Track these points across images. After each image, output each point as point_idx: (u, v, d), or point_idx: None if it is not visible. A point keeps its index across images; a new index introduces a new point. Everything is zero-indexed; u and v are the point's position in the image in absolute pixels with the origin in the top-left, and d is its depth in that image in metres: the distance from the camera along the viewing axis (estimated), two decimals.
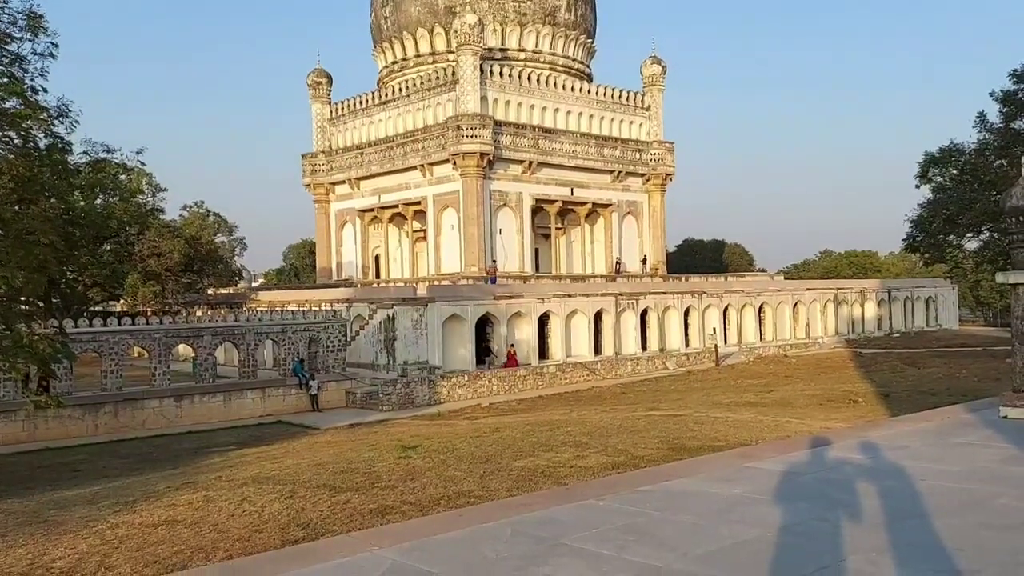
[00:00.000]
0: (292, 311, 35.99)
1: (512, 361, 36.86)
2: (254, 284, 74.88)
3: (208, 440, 24.74)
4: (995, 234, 35.50)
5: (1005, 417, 9.34)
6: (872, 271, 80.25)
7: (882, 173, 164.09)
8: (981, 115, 39.24)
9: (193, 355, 32.07)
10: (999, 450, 7.66)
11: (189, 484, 14.38)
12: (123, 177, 37.93)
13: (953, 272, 51.78)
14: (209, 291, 52.41)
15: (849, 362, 39.14)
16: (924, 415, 10.84)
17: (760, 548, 4.89)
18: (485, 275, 44.94)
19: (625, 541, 5.14)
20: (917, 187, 41.03)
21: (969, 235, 39.56)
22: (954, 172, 39.37)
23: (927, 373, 31.78)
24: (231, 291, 54.60)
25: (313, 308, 37.55)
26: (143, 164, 33.46)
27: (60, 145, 19.33)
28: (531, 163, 49.17)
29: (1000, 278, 9.86)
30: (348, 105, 56.39)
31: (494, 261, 46.38)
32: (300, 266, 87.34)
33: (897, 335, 54.16)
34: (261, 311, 37.53)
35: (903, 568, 4.40)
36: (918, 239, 41.21)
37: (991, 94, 39.00)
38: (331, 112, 57.38)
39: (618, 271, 53.12)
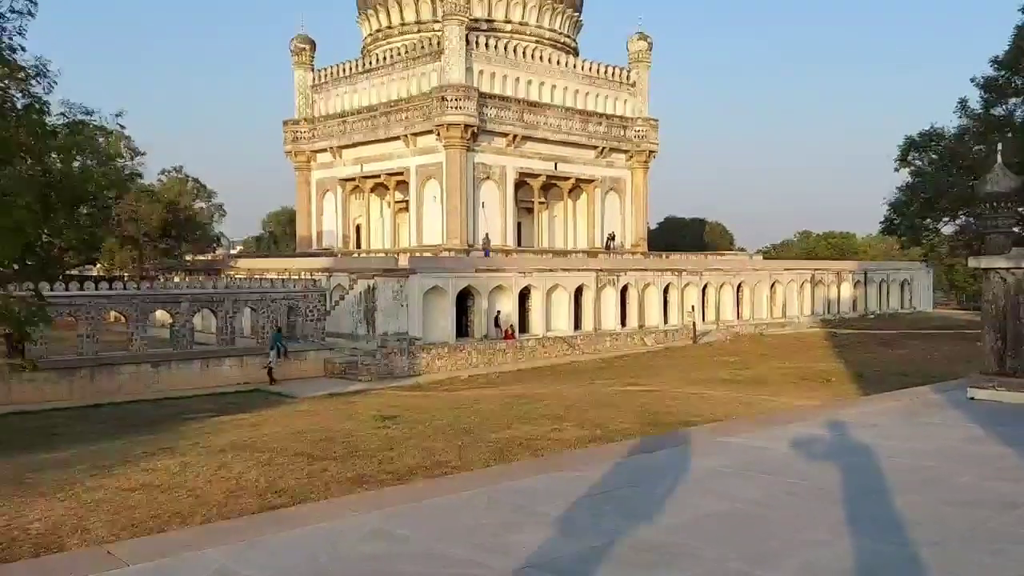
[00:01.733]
0: (271, 279, 35.85)
1: (509, 337, 37.09)
2: (233, 251, 74.37)
3: (185, 407, 24.72)
4: (971, 219, 35.93)
5: (972, 398, 9.56)
6: (850, 253, 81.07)
7: (863, 156, 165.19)
8: (962, 101, 39.50)
9: (171, 321, 31.91)
10: (964, 430, 7.87)
11: (166, 450, 14.41)
12: (101, 140, 37.38)
13: (928, 256, 52.38)
14: (187, 257, 52.02)
15: (824, 342, 39.67)
16: (894, 395, 11.07)
17: (728, 520, 5.03)
18: (480, 248, 45.02)
19: (600, 511, 5.26)
20: (896, 171, 41.33)
21: (946, 219, 39.99)
22: (933, 157, 39.68)
23: (900, 354, 32.31)
24: (209, 258, 54.23)
25: (292, 277, 37.42)
26: (122, 127, 32.93)
27: (38, 106, 19.01)
28: (515, 136, 49.00)
29: (972, 262, 10.05)
30: (331, 72, 55.77)
31: (487, 235, 46.42)
32: (280, 234, 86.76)
33: (872, 316, 54.89)
34: (240, 279, 37.34)
35: (866, 540, 4.55)
36: (895, 222, 41.58)
37: (972, 80, 39.25)
38: (314, 79, 56.73)
39: (608, 247, 53.28)
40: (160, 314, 35.43)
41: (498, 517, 5.13)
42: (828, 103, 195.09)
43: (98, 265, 49.29)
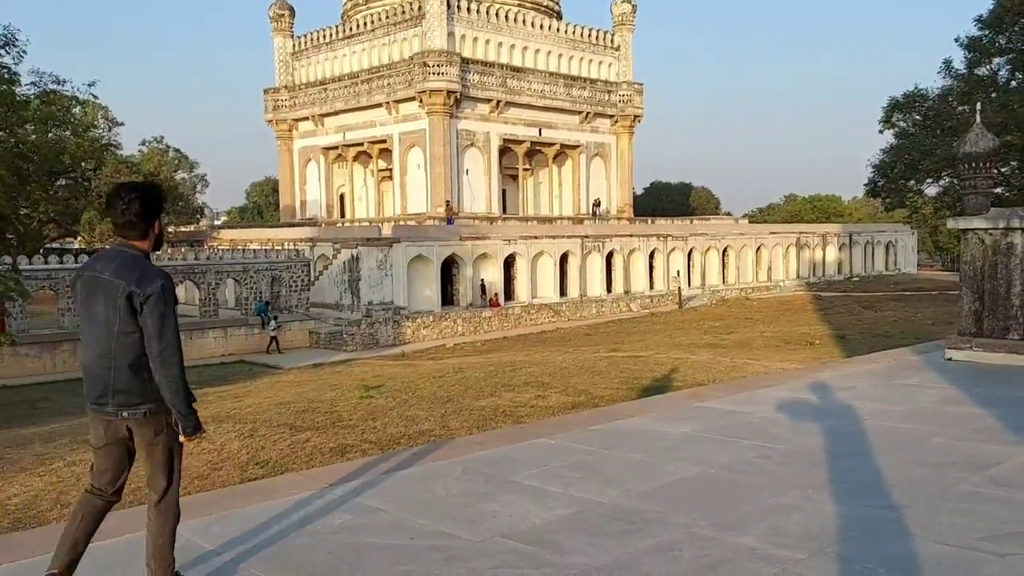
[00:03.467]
0: (254, 250, 35.59)
1: (495, 305, 37.10)
2: (216, 222, 73.75)
3: None
4: (954, 180, 36.01)
5: (950, 359, 9.60)
6: (835, 216, 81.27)
7: (849, 118, 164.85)
8: (946, 62, 39.42)
9: None
10: (940, 391, 7.89)
11: None
12: (77, 110, 36.76)
13: (912, 217, 52.60)
14: (170, 229, 51.53)
15: (809, 305, 39.83)
16: (873, 357, 11.10)
17: (701, 485, 5.02)
18: (444, 216, 44.52)
19: (572, 478, 5.24)
20: (880, 132, 41.37)
21: (929, 181, 40.14)
22: (917, 118, 39.69)
23: (883, 316, 32.48)
24: (192, 229, 53.76)
25: (276, 247, 37.16)
26: (95, 97, 32.43)
27: (7, 76, 18.61)
28: (499, 102, 48.52)
29: (951, 223, 10.03)
30: (311, 39, 54.93)
31: (448, 201, 45.83)
32: (263, 204, 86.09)
33: (857, 279, 55.13)
34: (223, 250, 37.03)
35: (838, 504, 4.55)
36: (879, 184, 41.69)
37: (956, 40, 39.12)
38: (294, 46, 55.88)
39: (594, 213, 53.10)
40: None
41: (471, 487, 5.11)
42: (814, 65, 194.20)
43: (79, 238, 48.78)
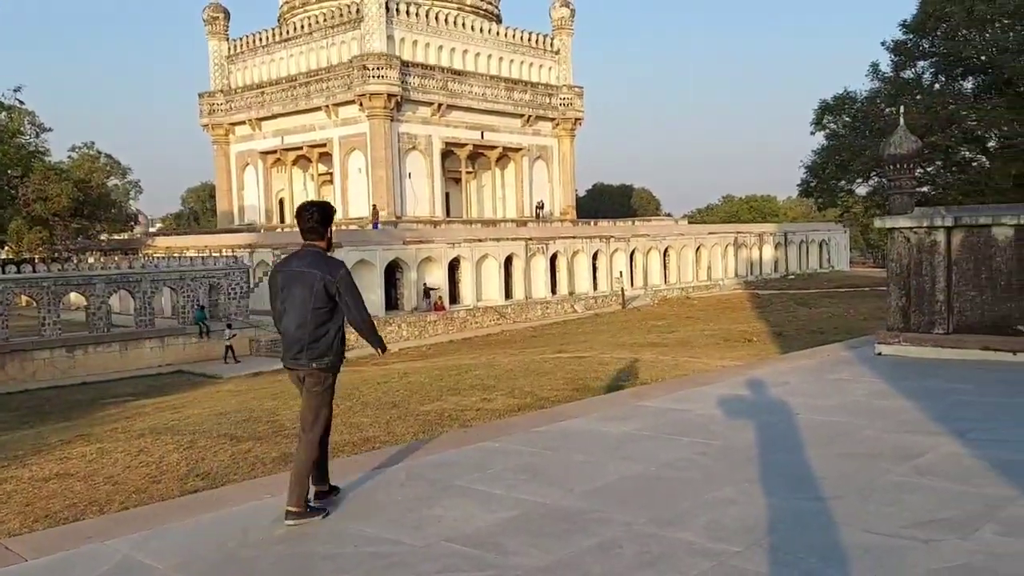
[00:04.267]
0: (191, 257, 34.85)
1: (440, 308, 36.99)
2: (152, 229, 71.88)
3: (103, 391, 23.93)
4: (883, 180, 37.21)
5: (879, 354, 9.94)
6: (771, 215, 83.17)
7: (783, 121, 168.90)
8: (874, 65, 40.71)
9: (85, 304, 30.77)
10: (870, 385, 8.17)
11: (82, 436, 13.95)
12: (2, 116, 35.48)
13: (844, 216, 54.15)
14: (102, 237, 50.07)
15: (747, 303, 40.70)
16: (807, 353, 11.43)
17: (643, 483, 5.12)
18: (370, 220, 44.11)
19: (516, 480, 5.29)
20: (812, 134, 42.45)
21: (859, 181, 41.33)
22: (847, 120, 40.86)
23: (818, 313, 33.38)
24: (126, 237, 52.32)
25: (214, 254, 36.43)
26: (21, 103, 31.36)
27: None
28: (440, 106, 48.44)
29: (878, 223, 10.39)
30: (247, 42, 54.05)
31: (374, 205, 45.55)
32: (200, 210, 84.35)
33: (792, 277, 56.54)
34: (158, 258, 36.17)
35: (772, 497, 4.69)
36: (812, 184, 42.79)
37: (883, 44, 40.46)
38: (229, 49, 54.91)
39: (538, 215, 53.34)
40: (75, 297, 34.14)
41: (415, 492, 5.12)
42: (749, 68, 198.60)
43: (6, 248, 47.04)
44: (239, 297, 33.64)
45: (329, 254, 4.81)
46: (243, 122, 53.47)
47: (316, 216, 4.78)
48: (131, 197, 61.25)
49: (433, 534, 4.31)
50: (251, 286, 35.32)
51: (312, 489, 4.76)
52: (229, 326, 31.22)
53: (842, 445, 5.82)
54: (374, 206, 45.38)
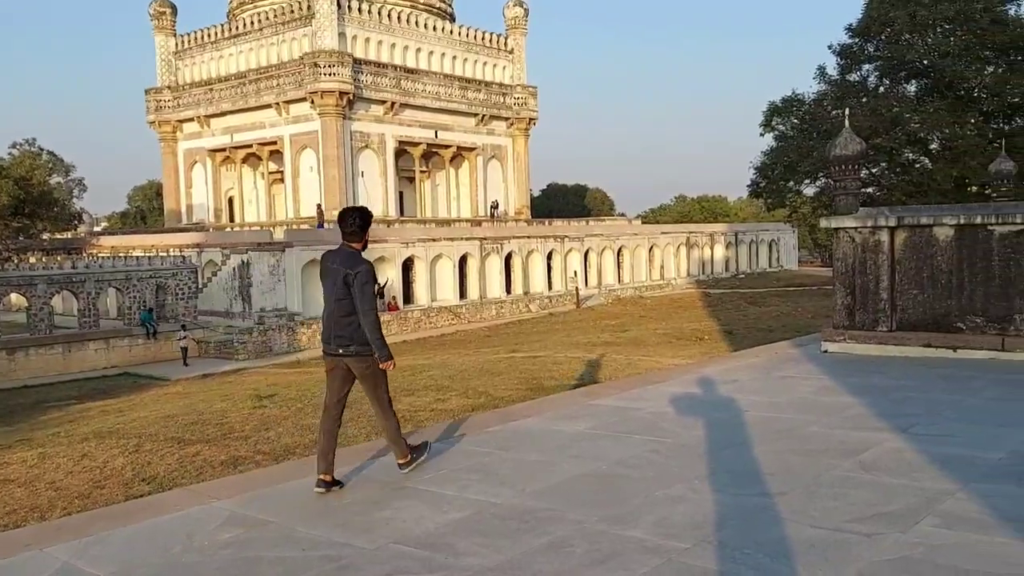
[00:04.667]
0: (137, 257, 34.09)
1: (393, 308, 36.80)
2: (97, 228, 70.11)
3: (46, 394, 23.27)
4: (829, 181, 38.04)
5: (826, 351, 10.14)
6: (722, 216, 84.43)
7: (734, 122, 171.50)
8: (821, 68, 41.58)
9: (27, 305, 29.89)
10: (816, 381, 8.33)
11: (23, 441, 13.53)
12: None
13: (792, 216, 55.22)
14: (44, 236, 48.71)
15: (699, 302, 41.23)
16: (756, 351, 11.61)
17: (594, 481, 5.14)
18: (315, 218, 43.61)
19: (468, 480, 5.27)
20: (762, 135, 43.23)
21: (807, 181, 42.19)
22: (795, 122, 41.67)
23: (767, 311, 33.96)
24: (69, 236, 50.98)
25: (161, 254, 35.70)
26: None
27: None
28: (394, 104, 48.15)
29: (824, 223, 10.60)
30: (196, 38, 53.08)
31: (319, 205, 45.14)
32: (147, 209, 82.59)
33: (743, 276, 57.46)
34: (103, 257, 35.31)
35: (720, 493, 4.75)
36: (761, 185, 43.56)
37: (829, 47, 41.33)
38: (177, 45, 53.86)
39: (492, 215, 53.29)
40: (16, 297, 33.15)
41: (365, 494, 5.07)
42: (702, 70, 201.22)
43: None
44: (187, 297, 33.00)
45: (362, 254, 5.42)
46: (191, 119, 52.52)
47: (357, 221, 5.38)
48: (75, 195, 59.66)
49: (383, 536, 4.27)
50: (200, 286, 34.68)
51: (327, 473, 5.24)
52: (184, 327, 30.60)
53: (789, 441, 5.92)
54: (319, 206, 44.90)
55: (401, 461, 5.45)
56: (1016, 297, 9.09)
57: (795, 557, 3.77)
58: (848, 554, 3.79)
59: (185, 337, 30.10)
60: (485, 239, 42.45)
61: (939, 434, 6.00)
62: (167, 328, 31.20)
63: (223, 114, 50.69)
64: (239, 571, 3.92)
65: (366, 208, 5.57)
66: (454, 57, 52.77)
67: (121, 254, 36.94)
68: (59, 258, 35.45)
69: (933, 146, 39.45)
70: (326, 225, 42.25)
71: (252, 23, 49.84)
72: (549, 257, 46.15)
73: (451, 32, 52.73)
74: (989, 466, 5.13)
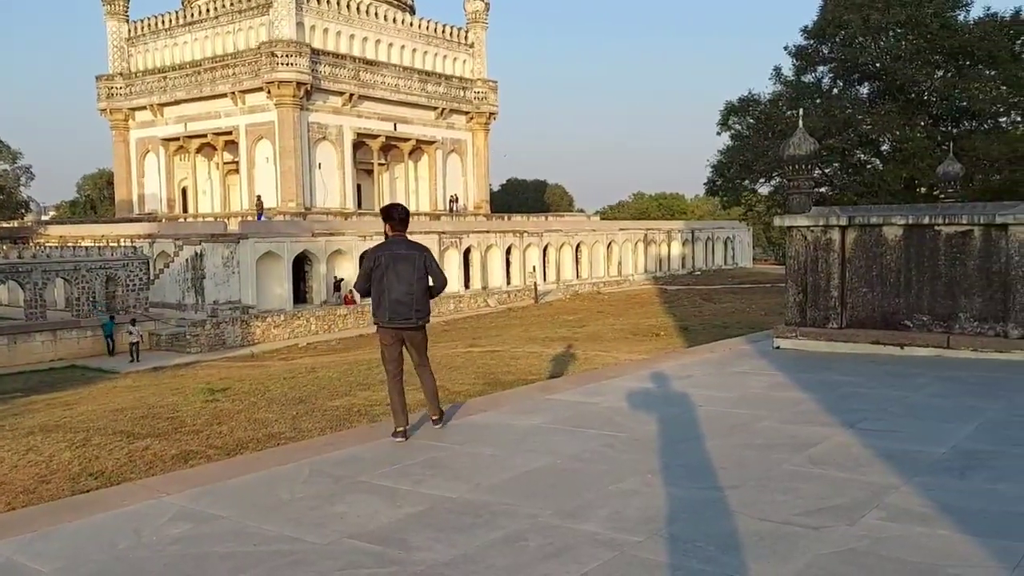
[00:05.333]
0: (87, 247, 33.29)
1: (350, 302, 36.47)
2: (44, 218, 68.35)
3: None
4: (783, 180, 38.67)
5: (778, 348, 10.31)
6: (679, 213, 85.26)
7: (692, 121, 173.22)
8: (777, 69, 42.22)
9: None
10: (768, 377, 8.47)
11: None
12: None
13: (748, 214, 56.04)
14: None
15: (655, 298, 41.62)
16: (710, 346, 11.76)
17: (549, 476, 5.16)
18: (255, 210, 43.19)
19: (423, 475, 5.25)
20: (719, 134, 43.76)
21: (762, 180, 42.84)
22: (751, 121, 42.25)
23: (722, 308, 34.43)
24: (16, 225, 49.62)
25: (111, 244, 34.92)
26: None
27: None
28: (352, 95, 47.71)
29: (778, 221, 10.77)
30: (149, 24, 52.00)
31: (258, 196, 44.67)
32: (97, 198, 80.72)
33: (699, 273, 58.15)
34: (51, 247, 34.43)
35: (672, 487, 4.80)
36: (717, 183, 44.10)
37: (785, 48, 41.96)
38: (129, 31, 52.69)
39: (451, 209, 53.10)
40: None
41: (318, 489, 5.02)
42: (661, 68, 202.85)
43: None
44: (138, 289, 32.34)
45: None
46: (144, 107, 51.47)
47: (405, 213, 6.52)
48: (22, 183, 58.20)
49: (336, 531, 4.24)
50: (151, 278, 34.02)
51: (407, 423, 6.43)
52: (133, 322, 29.84)
53: (741, 436, 6.01)
54: (258, 197, 44.43)
55: (435, 417, 6.68)
56: (961, 296, 9.34)
57: (744, 550, 3.84)
58: (796, 546, 3.86)
59: (130, 333, 29.22)
60: (444, 233, 42.32)
61: (885, 430, 6.15)
62: (116, 320, 30.47)
63: (177, 103, 49.75)
64: (187, 567, 3.86)
65: (403, 204, 6.74)
66: (414, 50, 52.45)
67: (70, 244, 36.04)
68: (5, 247, 34.45)
69: (884, 147, 40.33)
70: (264, 217, 41.80)
71: (208, 10, 48.96)
72: (508, 252, 46.19)
73: (411, 24, 52.40)
74: (932, 461, 5.27)
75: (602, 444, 5.88)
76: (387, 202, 52.26)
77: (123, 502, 4.90)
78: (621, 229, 56.13)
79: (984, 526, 4.06)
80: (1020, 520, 4.16)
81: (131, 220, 48.31)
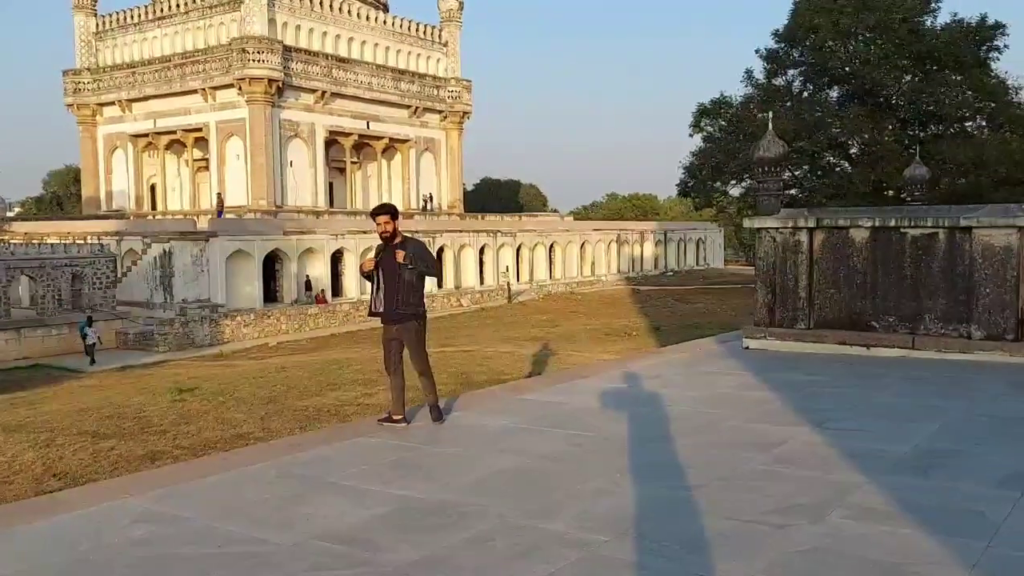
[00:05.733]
0: (52, 244, 32.73)
1: (321, 301, 36.19)
2: (9, 214, 67.07)
3: None
4: (754, 182, 39.04)
5: (747, 348, 10.40)
6: (652, 214, 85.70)
7: (665, 122, 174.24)
8: (748, 72, 42.59)
9: None
10: (737, 377, 8.54)
11: None
12: None
13: (719, 216, 56.47)
14: None
15: (628, 298, 41.84)
16: (681, 347, 11.84)
17: (518, 476, 5.16)
18: (215, 208, 42.82)
19: (392, 476, 5.23)
20: (691, 136, 44.02)
21: (733, 182, 43.18)
22: (723, 123, 42.56)
23: (694, 308, 34.69)
24: None
25: (78, 241, 34.37)
26: None
27: None
28: (324, 93, 47.37)
29: (747, 223, 10.87)
30: (118, 18, 51.23)
31: (219, 194, 44.26)
32: (64, 195, 79.43)
33: (671, 273, 58.51)
34: (15, 244, 33.82)
35: (640, 487, 4.83)
36: (690, 185, 44.37)
37: (756, 51, 42.36)
38: (97, 25, 51.86)
39: (425, 208, 52.91)
40: None
41: (285, 489, 4.98)
42: (634, 70, 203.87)
43: None
44: (105, 287, 31.85)
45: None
46: (112, 103, 50.71)
47: (394, 210, 6.84)
48: None
49: (303, 532, 4.21)
50: (119, 276, 33.54)
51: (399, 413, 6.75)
52: (90, 322, 28.49)
53: (709, 435, 6.05)
54: (219, 195, 44.03)
55: (435, 402, 6.87)
56: (926, 298, 9.49)
57: (710, 549, 3.87)
58: (760, 545, 3.90)
59: (89, 334, 27.96)
60: (417, 232, 42.12)
61: (850, 429, 6.22)
62: (95, 327, 29.65)
63: (146, 99, 49.06)
64: (150, 569, 3.81)
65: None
66: (387, 48, 52.20)
67: (35, 241, 35.40)
68: None
69: (853, 151, 40.84)
70: (225, 215, 41.41)
71: (178, 5, 48.36)
72: (481, 252, 46.14)
73: (385, 22, 52.15)
74: (895, 459, 5.35)
75: (572, 444, 5.89)
76: (359, 200, 52.33)
77: (86, 503, 4.82)
78: (594, 229, 56.30)
79: (944, 524, 4.13)
80: (979, 518, 4.23)
81: (98, 217, 47.54)
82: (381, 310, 6.68)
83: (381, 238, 6.68)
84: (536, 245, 50.21)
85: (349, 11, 49.74)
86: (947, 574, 3.55)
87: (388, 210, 6.73)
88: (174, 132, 48.40)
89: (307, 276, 36.81)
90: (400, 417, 6.66)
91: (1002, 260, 8.93)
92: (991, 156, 35.58)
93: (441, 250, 43.43)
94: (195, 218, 37.37)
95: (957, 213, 9.51)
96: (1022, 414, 6.69)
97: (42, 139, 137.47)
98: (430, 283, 45.13)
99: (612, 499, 4.62)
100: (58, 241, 34.35)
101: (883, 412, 6.82)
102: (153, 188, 51.68)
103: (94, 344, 27.96)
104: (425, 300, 6.82)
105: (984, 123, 40.26)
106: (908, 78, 39.34)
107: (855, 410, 6.91)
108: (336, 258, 38.43)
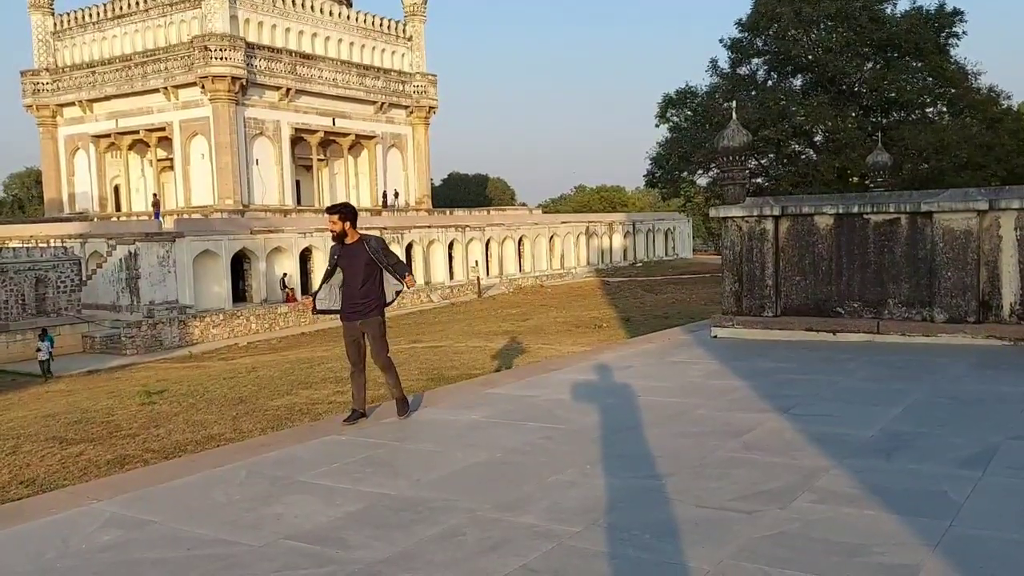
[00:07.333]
0: (14, 248, 32.12)
1: (291, 300, 35.93)
2: None
3: None
4: (720, 171, 39.35)
5: (715, 337, 10.50)
6: (620, 205, 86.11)
7: (632, 113, 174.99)
8: (713, 61, 42.90)
9: None
10: (705, 366, 8.62)
11: None
12: None
13: (687, 206, 56.87)
14: None
15: (598, 290, 42.01)
16: (650, 337, 11.91)
17: (488, 470, 5.17)
18: (152, 208, 42.60)
19: (363, 473, 5.21)
20: (657, 126, 44.28)
21: (700, 172, 43.51)
22: (689, 113, 42.87)
23: (663, 299, 34.91)
24: None
25: (40, 245, 33.76)
26: None
27: None
28: (289, 90, 46.94)
29: (713, 212, 10.95)
30: (76, 17, 50.32)
31: (155, 195, 43.92)
32: (26, 198, 78.05)
33: (640, 264, 58.84)
34: None
35: (610, 477, 4.86)
36: (657, 175, 44.65)
37: (721, 41, 42.66)
38: (55, 24, 50.91)
39: (385, 204, 52.66)
40: None
41: (254, 491, 4.94)
42: (599, 61, 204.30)
43: None
44: (70, 291, 31.34)
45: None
46: (72, 103, 49.83)
47: (346, 209, 6.75)
48: None
49: (272, 532, 4.18)
50: (83, 279, 33.01)
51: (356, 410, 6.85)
52: (43, 335, 26.37)
53: (678, 424, 6.11)
54: (155, 195, 43.73)
55: (402, 396, 6.97)
56: (889, 283, 9.63)
57: (680, 536, 3.90)
58: (729, 531, 3.95)
59: (42, 349, 25.73)
60: (385, 228, 41.93)
61: (816, 414, 6.31)
62: (46, 323, 29.41)
63: (107, 98, 48.28)
64: (118, 574, 3.76)
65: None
66: (352, 44, 51.82)
67: None
68: None
69: (817, 138, 41.33)
70: (161, 217, 41.06)
71: (138, 3, 47.62)
72: (450, 247, 46.06)
73: (348, 18, 51.75)
74: (861, 443, 5.43)
75: (542, 437, 5.91)
76: (327, 198, 51.93)
77: (52, 510, 4.75)
78: (563, 222, 56.44)
79: (908, 505, 4.20)
80: (942, 498, 4.31)
81: (61, 220, 46.77)
82: (337, 307, 6.72)
83: (332, 237, 6.76)
84: (505, 239, 50.22)
85: (312, 7, 49.31)
86: (910, 553, 3.62)
87: (338, 210, 6.72)
88: (137, 132, 47.71)
89: (284, 275, 36.54)
90: (362, 411, 6.81)
91: (963, 244, 9.10)
92: (952, 141, 36.21)
93: (410, 246, 43.29)
94: (160, 219, 36.86)
95: (918, 198, 9.66)
96: (983, 395, 6.82)
97: (2, 141, 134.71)
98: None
99: (582, 490, 4.64)
100: (20, 245, 33.72)
101: (849, 397, 6.92)
102: (117, 189, 50.91)
103: (47, 360, 25.62)
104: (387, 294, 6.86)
105: (945, 108, 40.95)
106: (870, 65, 39.88)
107: (821, 396, 7.01)
108: (305, 256, 38.15)
